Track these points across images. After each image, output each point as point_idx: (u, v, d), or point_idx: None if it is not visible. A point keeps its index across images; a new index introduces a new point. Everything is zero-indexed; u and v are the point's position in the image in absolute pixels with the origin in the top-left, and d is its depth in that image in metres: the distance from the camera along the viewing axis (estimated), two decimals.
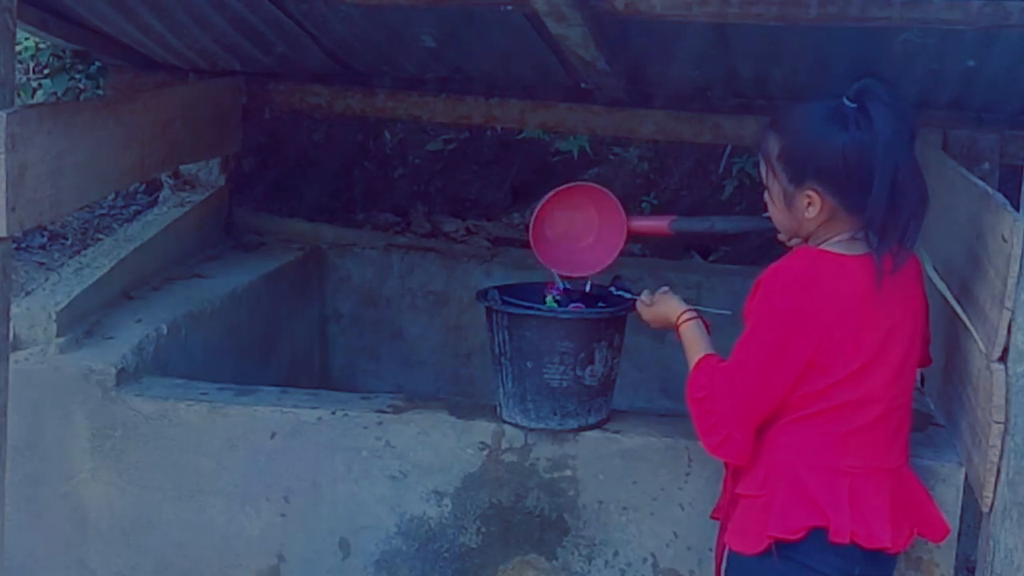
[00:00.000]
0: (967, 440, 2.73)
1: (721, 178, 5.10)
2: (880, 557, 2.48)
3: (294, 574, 3.15)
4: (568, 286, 3.08)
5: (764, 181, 2.55)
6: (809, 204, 2.44)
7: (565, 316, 2.97)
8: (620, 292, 2.98)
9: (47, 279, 3.52)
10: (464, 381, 4.65)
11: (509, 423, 3.06)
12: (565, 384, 2.96)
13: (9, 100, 2.49)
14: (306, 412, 3.12)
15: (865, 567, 2.46)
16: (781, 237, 2.60)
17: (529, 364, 2.96)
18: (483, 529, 3.09)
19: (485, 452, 3.06)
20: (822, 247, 2.47)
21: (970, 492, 2.74)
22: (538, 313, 2.97)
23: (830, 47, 3.59)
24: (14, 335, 3.07)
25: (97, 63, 4.76)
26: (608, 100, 4.30)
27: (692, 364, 2.58)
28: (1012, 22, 3.15)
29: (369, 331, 4.73)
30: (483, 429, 3.07)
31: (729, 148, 4.98)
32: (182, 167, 4.26)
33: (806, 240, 2.52)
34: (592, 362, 2.97)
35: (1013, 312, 2.41)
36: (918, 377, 3.43)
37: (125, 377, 3.20)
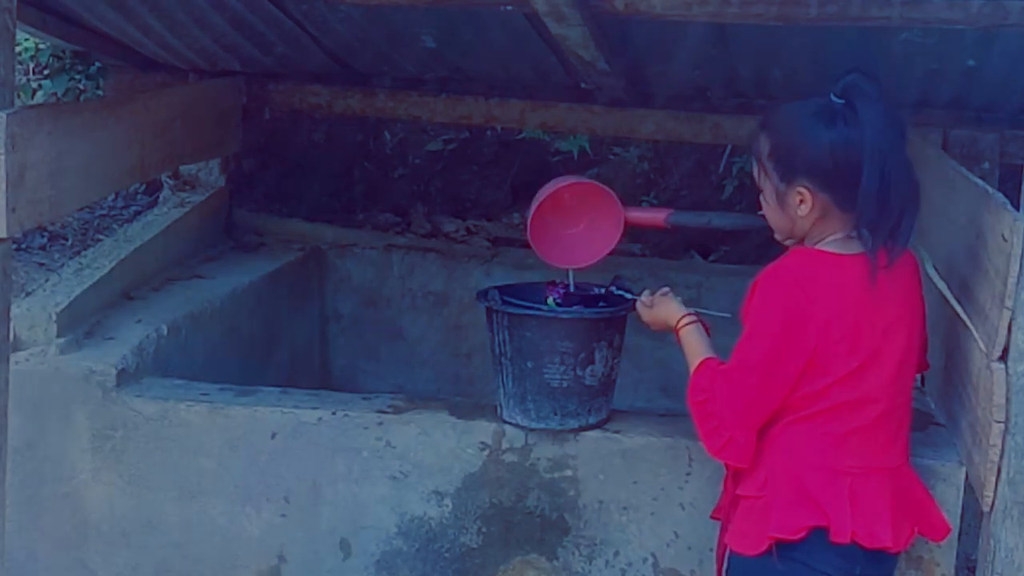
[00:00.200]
0: (968, 439, 2.73)
1: (721, 178, 5.10)
2: (881, 557, 2.48)
3: (295, 575, 3.15)
4: (571, 285, 3.07)
5: (758, 182, 2.56)
6: (801, 202, 2.45)
7: (565, 316, 2.97)
8: (621, 292, 2.98)
9: (47, 280, 3.52)
10: (464, 381, 4.65)
11: (509, 423, 3.06)
12: (565, 384, 2.96)
13: (9, 101, 2.48)
14: (306, 412, 3.12)
15: (866, 567, 2.46)
16: (778, 237, 2.60)
17: (529, 364, 2.96)
18: (484, 529, 3.09)
19: (485, 452, 3.06)
20: (818, 247, 2.47)
21: (971, 491, 2.74)
22: (538, 313, 2.97)
23: (830, 47, 3.59)
24: (14, 336, 3.07)
25: (97, 64, 4.76)
26: (608, 100, 4.30)
27: (692, 367, 2.58)
28: (1012, 21, 3.15)
29: (369, 331, 4.73)
30: (483, 429, 3.07)
31: (729, 148, 4.98)
32: (182, 167, 4.26)
33: (802, 240, 2.52)
34: (592, 362, 2.97)
35: (1013, 311, 2.41)
36: (918, 377, 3.43)
37: (125, 378, 3.20)
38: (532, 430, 3.04)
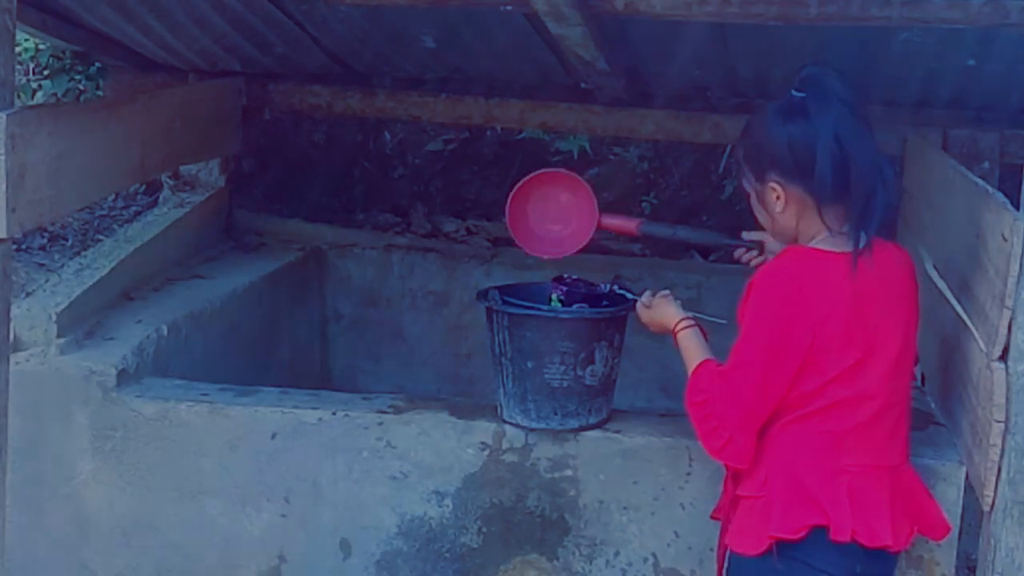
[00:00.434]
0: (968, 439, 2.73)
1: (721, 178, 5.10)
2: (882, 556, 2.48)
3: (295, 575, 3.15)
4: (574, 279, 3.08)
5: (746, 189, 2.61)
6: (777, 198, 2.50)
7: (565, 316, 2.97)
8: (622, 291, 2.99)
9: (47, 280, 3.51)
10: (464, 381, 4.65)
11: (510, 423, 3.06)
12: (566, 384, 2.96)
13: (9, 101, 2.48)
14: (307, 413, 3.12)
15: (866, 565, 2.46)
16: (770, 246, 2.65)
17: (529, 364, 2.96)
18: (484, 529, 3.09)
19: (486, 452, 3.06)
20: (811, 245, 2.49)
21: (971, 491, 2.74)
22: (538, 313, 2.97)
23: (830, 47, 3.59)
24: (14, 336, 3.07)
25: (97, 64, 4.76)
26: (608, 100, 4.30)
27: (690, 369, 2.58)
28: (1012, 21, 3.15)
29: (369, 331, 4.73)
30: (484, 429, 3.07)
31: (729, 148, 4.98)
32: (182, 168, 4.26)
33: (795, 241, 2.54)
34: (593, 362, 2.96)
35: (1013, 311, 2.41)
36: (918, 376, 3.43)
37: (125, 378, 3.20)
38: (532, 430, 3.04)
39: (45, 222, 3.40)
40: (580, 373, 2.96)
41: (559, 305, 3.01)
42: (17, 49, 3.30)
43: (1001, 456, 2.48)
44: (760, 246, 2.89)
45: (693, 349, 2.62)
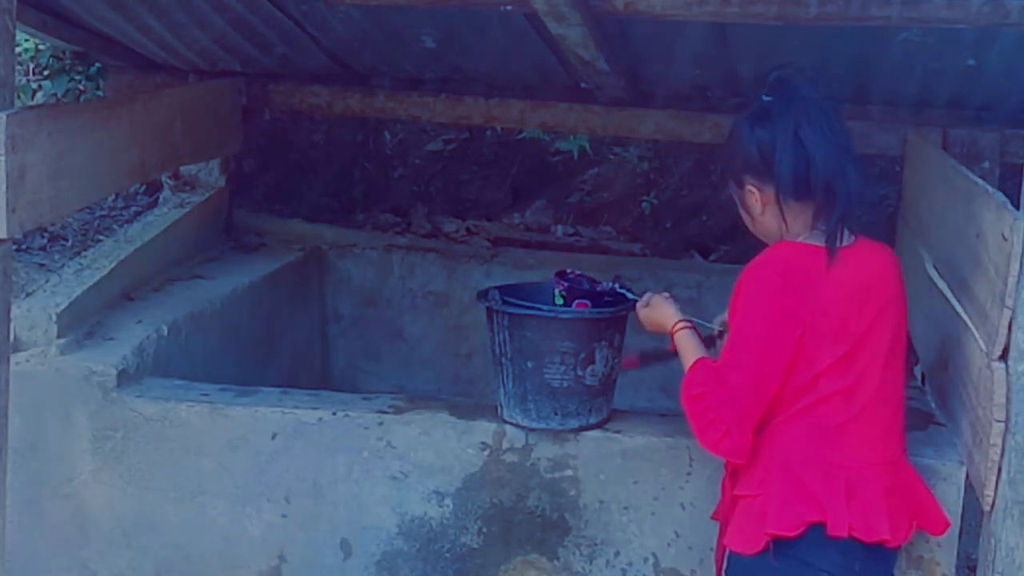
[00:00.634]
0: (968, 439, 2.72)
1: (721, 178, 5.10)
2: (880, 552, 2.49)
3: (295, 575, 3.15)
4: (577, 275, 3.07)
5: (734, 198, 2.67)
6: (755, 200, 2.57)
7: (565, 316, 2.97)
8: (623, 291, 2.99)
9: (47, 280, 3.51)
10: (465, 381, 4.65)
11: (510, 423, 3.06)
12: (566, 384, 2.96)
13: (9, 102, 2.48)
14: (307, 413, 3.12)
15: (865, 562, 2.47)
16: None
17: (530, 364, 2.96)
18: (484, 529, 3.09)
19: (486, 452, 3.06)
20: (797, 241, 2.54)
21: (971, 491, 2.74)
22: (538, 313, 2.96)
23: (830, 47, 3.60)
24: (14, 336, 3.07)
25: (97, 64, 4.76)
26: (608, 100, 4.30)
27: (687, 367, 2.60)
28: (1011, 21, 3.16)
29: (370, 331, 4.73)
30: (484, 429, 3.07)
31: None
32: (182, 168, 4.26)
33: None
34: (593, 362, 2.97)
35: (1014, 311, 2.41)
36: (918, 376, 3.43)
37: (126, 378, 3.20)
38: (532, 430, 3.04)
39: (45, 222, 3.39)
40: (580, 373, 2.96)
41: (561, 300, 3.01)
42: (17, 49, 3.30)
43: (1001, 456, 2.48)
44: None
45: (689, 349, 2.64)
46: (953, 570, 2.90)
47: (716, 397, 2.46)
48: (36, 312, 3.23)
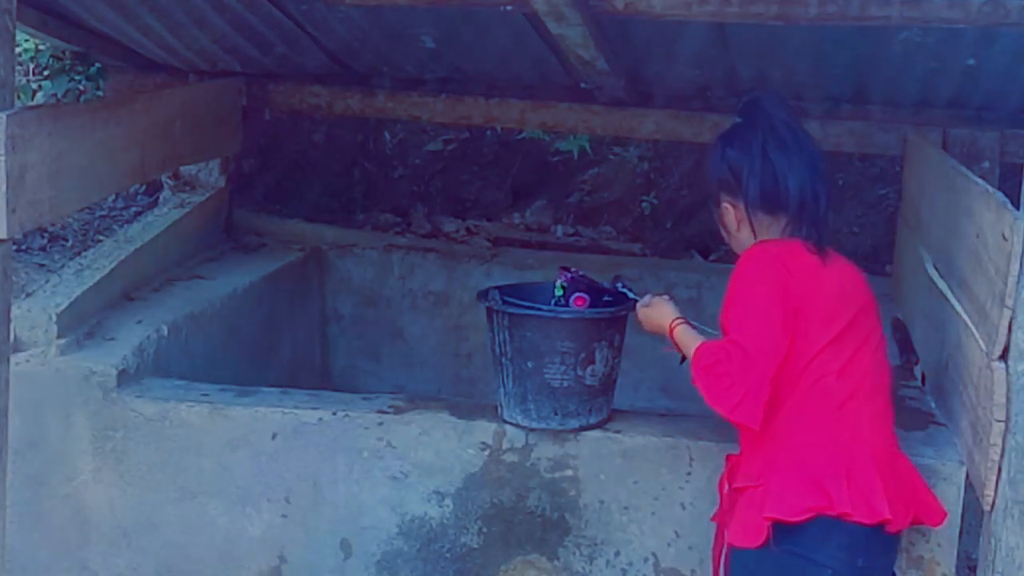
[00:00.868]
0: (968, 439, 2.73)
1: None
2: (882, 541, 2.52)
3: (295, 575, 3.15)
4: (580, 274, 3.07)
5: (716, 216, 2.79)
6: (731, 218, 2.70)
7: (565, 316, 2.97)
8: (624, 290, 2.99)
9: (47, 280, 3.51)
10: (465, 381, 4.65)
11: (510, 423, 3.06)
12: (566, 384, 2.96)
13: (9, 102, 2.48)
14: (307, 413, 3.13)
15: (868, 557, 2.49)
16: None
17: (530, 364, 2.96)
18: (484, 529, 3.09)
19: (486, 452, 3.06)
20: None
21: (971, 490, 2.74)
22: (538, 313, 2.97)
23: (830, 47, 3.60)
24: (14, 337, 3.07)
25: (97, 64, 4.76)
26: (608, 100, 4.30)
27: (692, 352, 2.61)
28: (1012, 20, 3.16)
29: (370, 332, 4.73)
30: (484, 429, 3.07)
31: None
32: (182, 168, 4.26)
33: None
34: (593, 362, 2.97)
35: (1014, 310, 2.41)
36: (919, 376, 3.44)
37: (126, 378, 3.20)
38: (533, 430, 3.04)
39: (45, 222, 3.40)
40: (580, 373, 2.96)
41: (561, 291, 3.01)
42: (17, 49, 3.30)
43: (1001, 455, 2.48)
44: None
45: (690, 338, 2.67)
46: (953, 570, 2.90)
47: (734, 361, 2.47)
48: (36, 312, 3.23)
